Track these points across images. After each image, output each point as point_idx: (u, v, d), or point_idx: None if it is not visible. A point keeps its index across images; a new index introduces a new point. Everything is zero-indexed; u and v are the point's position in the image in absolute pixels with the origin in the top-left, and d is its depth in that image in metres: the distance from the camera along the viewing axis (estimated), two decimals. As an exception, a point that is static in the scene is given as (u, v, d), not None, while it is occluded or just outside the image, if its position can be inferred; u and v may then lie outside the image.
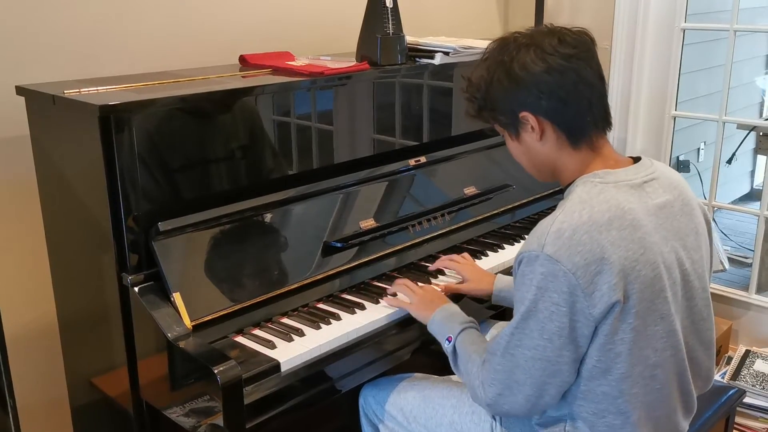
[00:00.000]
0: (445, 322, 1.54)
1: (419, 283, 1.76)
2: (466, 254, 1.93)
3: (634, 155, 1.43)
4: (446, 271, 1.91)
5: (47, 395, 2.07)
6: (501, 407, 1.35)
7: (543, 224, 1.28)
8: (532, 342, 1.27)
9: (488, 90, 1.38)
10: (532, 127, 1.36)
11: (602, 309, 1.23)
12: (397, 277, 1.85)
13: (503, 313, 1.98)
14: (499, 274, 1.83)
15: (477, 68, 1.41)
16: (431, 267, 1.90)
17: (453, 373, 1.71)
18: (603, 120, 1.37)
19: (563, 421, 1.37)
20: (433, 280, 1.86)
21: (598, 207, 1.26)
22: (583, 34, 1.36)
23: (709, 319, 1.43)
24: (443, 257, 1.91)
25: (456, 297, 1.77)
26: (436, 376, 1.74)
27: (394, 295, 1.73)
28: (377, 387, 1.72)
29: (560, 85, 1.31)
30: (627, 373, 1.28)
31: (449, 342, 1.49)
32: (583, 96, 1.33)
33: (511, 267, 1.99)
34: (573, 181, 1.36)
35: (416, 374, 1.75)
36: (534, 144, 1.38)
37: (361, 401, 1.75)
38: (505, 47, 1.36)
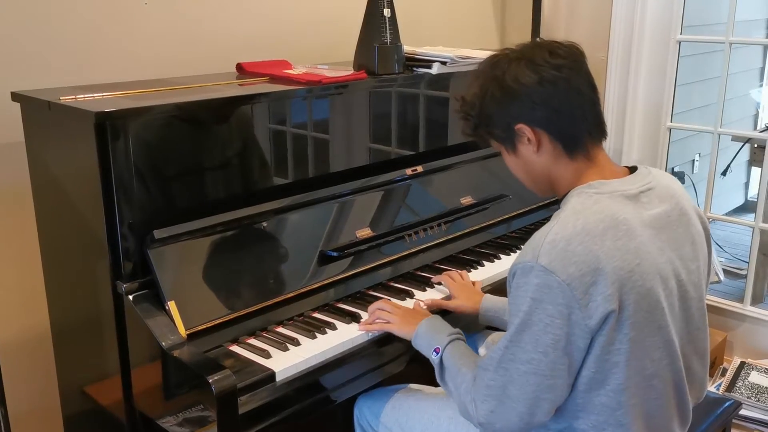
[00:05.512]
0: (431, 333, 1.52)
1: (396, 302, 1.72)
2: (464, 273, 1.91)
3: (631, 165, 1.44)
4: (435, 286, 1.89)
5: (39, 404, 2.05)
6: (493, 426, 1.32)
7: (537, 235, 1.28)
8: (526, 355, 1.25)
9: (482, 106, 1.39)
10: (529, 139, 1.36)
11: (597, 320, 1.23)
12: (393, 286, 1.85)
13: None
14: (487, 294, 1.80)
15: (470, 87, 1.42)
16: (434, 279, 1.89)
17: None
18: (597, 128, 1.38)
19: (562, 435, 1.36)
20: (419, 294, 1.83)
21: (592, 217, 1.27)
22: (573, 46, 1.38)
23: (704, 328, 1.43)
24: (445, 272, 1.90)
25: (443, 313, 1.75)
26: (431, 387, 1.72)
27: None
28: (372, 398, 1.71)
29: (553, 94, 1.33)
30: (624, 384, 1.27)
31: (437, 354, 1.46)
32: (575, 105, 1.34)
33: (506, 278, 2.00)
34: (568, 192, 1.37)
35: (412, 385, 1.74)
36: (531, 156, 1.39)
37: (356, 412, 1.74)
38: (497, 63, 1.38)
